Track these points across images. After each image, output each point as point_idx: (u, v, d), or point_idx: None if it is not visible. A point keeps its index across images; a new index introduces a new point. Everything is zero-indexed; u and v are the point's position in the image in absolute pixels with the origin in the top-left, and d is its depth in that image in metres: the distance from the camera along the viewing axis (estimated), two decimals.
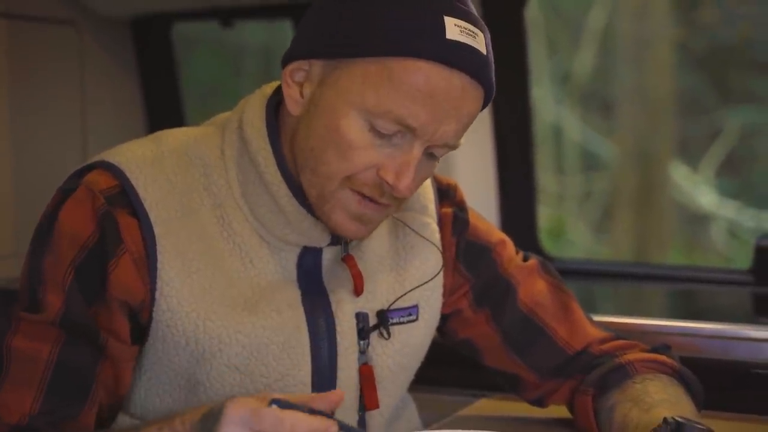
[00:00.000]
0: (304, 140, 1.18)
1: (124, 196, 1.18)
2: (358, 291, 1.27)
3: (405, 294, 1.31)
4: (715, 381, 1.45)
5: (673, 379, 1.33)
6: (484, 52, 1.16)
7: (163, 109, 2.81)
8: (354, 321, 1.27)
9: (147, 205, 1.18)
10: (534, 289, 1.39)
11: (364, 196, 1.17)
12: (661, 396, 1.27)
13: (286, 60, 1.19)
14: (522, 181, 2.46)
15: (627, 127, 3.67)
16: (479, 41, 1.15)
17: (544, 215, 2.69)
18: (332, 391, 1.07)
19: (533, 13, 2.44)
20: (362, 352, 1.28)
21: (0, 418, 1.14)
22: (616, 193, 3.73)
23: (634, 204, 3.62)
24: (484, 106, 1.21)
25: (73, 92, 2.62)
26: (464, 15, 1.15)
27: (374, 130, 1.14)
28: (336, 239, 1.25)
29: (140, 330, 1.20)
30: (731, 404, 1.70)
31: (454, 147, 1.19)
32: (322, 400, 1.01)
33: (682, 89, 3.55)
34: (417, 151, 1.15)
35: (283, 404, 0.97)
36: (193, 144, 1.24)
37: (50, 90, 2.56)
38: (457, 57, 1.13)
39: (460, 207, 1.41)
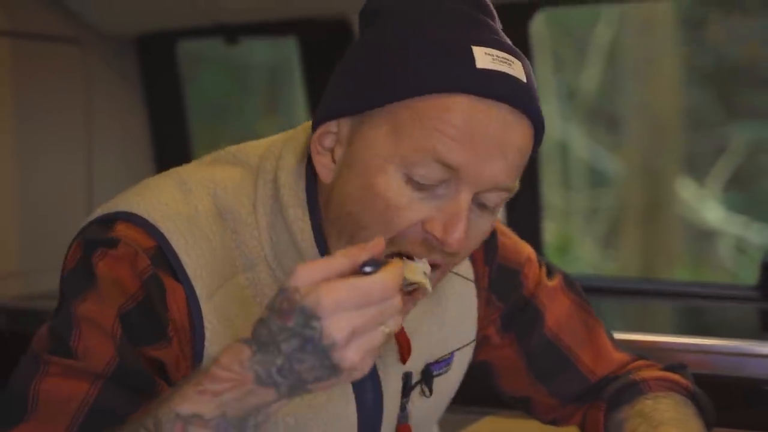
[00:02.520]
0: (340, 206, 1.07)
1: (164, 259, 1.06)
2: (404, 358, 1.19)
3: (452, 353, 1.27)
4: (725, 397, 1.45)
5: (686, 399, 1.31)
6: (524, 80, 1.04)
7: (169, 128, 2.82)
8: (400, 383, 1.22)
9: (190, 272, 1.07)
10: (559, 311, 1.35)
11: (411, 258, 1.05)
12: (671, 414, 1.26)
13: (314, 126, 1.09)
14: (528, 197, 2.46)
15: (633, 143, 3.67)
16: (516, 68, 1.03)
17: (551, 231, 2.69)
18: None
19: (539, 30, 2.44)
20: (402, 409, 1.23)
21: None
22: (622, 209, 3.73)
23: (641, 220, 3.61)
24: (537, 142, 1.08)
25: (78, 111, 2.63)
26: (496, 43, 1.04)
27: (413, 182, 1.02)
28: None
29: None
30: (741, 421, 1.70)
31: (508, 190, 1.05)
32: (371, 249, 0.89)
33: (688, 105, 3.55)
34: (465, 197, 1.02)
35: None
36: (222, 192, 1.13)
37: (55, 108, 2.58)
38: (492, 86, 1.01)
39: None
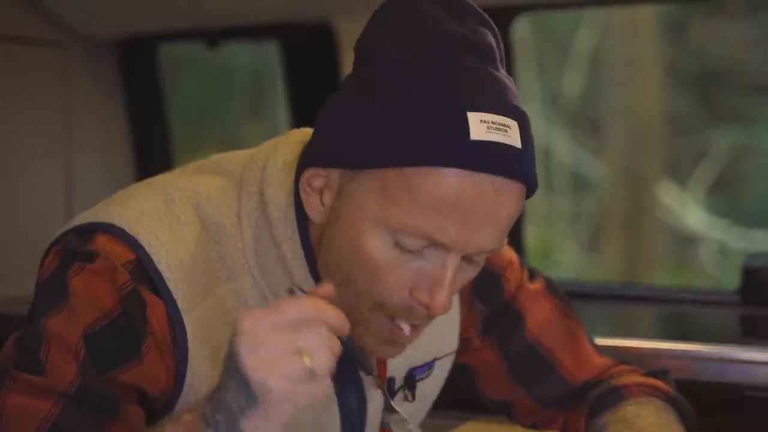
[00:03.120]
0: (328, 256, 1.07)
1: (144, 273, 1.05)
2: (379, 371, 1.19)
3: (435, 360, 1.26)
4: (706, 403, 1.44)
5: (667, 405, 1.31)
6: (519, 146, 1.00)
7: (149, 131, 2.81)
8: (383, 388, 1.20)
9: (171, 285, 1.06)
10: (541, 315, 1.35)
11: (394, 319, 1.06)
12: (653, 420, 1.26)
13: (302, 165, 1.08)
14: None
15: (616, 147, 3.68)
16: (512, 135, 1.00)
17: (534, 235, 2.69)
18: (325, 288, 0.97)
19: (522, 34, 2.44)
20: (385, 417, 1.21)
21: None
22: (605, 214, 3.74)
23: (624, 224, 3.63)
24: (527, 197, 1.07)
25: (58, 115, 2.62)
26: (492, 105, 1.00)
27: (400, 247, 1.02)
28: None
29: (150, 415, 1.09)
30: (723, 426, 1.70)
31: (496, 251, 1.07)
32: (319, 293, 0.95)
33: (671, 109, 3.57)
34: (451, 263, 1.02)
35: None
36: (205, 203, 1.11)
37: (34, 112, 2.57)
38: (486, 158, 0.98)
39: None
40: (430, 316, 1.06)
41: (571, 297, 2.39)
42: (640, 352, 1.81)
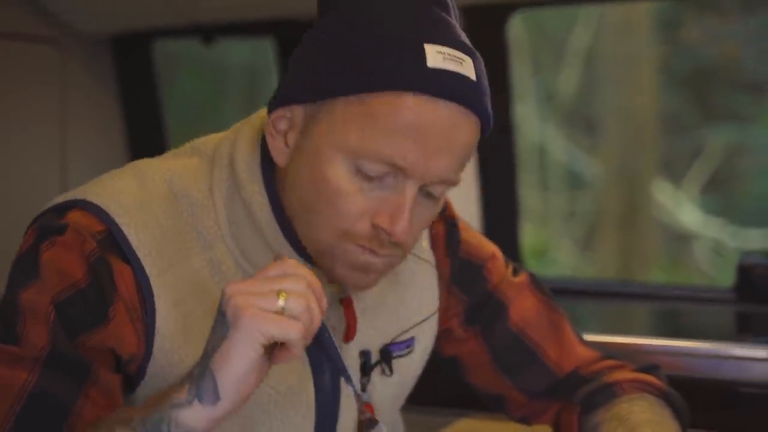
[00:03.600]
0: (292, 191, 1.12)
1: (114, 242, 1.10)
2: (349, 336, 1.21)
3: (407, 330, 1.28)
4: (701, 400, 1.47)
5: (660, 400, 1.32)
6: (473, 78, 1.07)
7: (145, 127, 2.81)
8: (358, 361, 1.24)
9: (140, 253, 1.10)
10: (524, 306, 1.37)
11: (365, 247, 1.10)
12: (647, 416, 1.27)
13: (270, 110, 1.13)
14: (505, 199, 2.47)
15: (611, 145, 3.69)
16: (467, 67, 1.07)
17: (529, 233, 2.70)
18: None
19: (517, 33, 2.45)
20: (362, 389, 1.24)
21: None
22: (600, 212, 3.75)
23: (619, 222, 3.64)
24: (482, 135, 1.13)
25: (53, 110, 2.61)
26: (448, 41, 1.07)
27: (361, 173, 1.07)
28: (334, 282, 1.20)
29: (126, 381, 1.13)
30: (718, 423, 1.71)
31: (453, 183, 1.11)
32: None
33: (665, 108, 3.58)
34: (410, 191, 1.07)
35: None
36: (177, 179, 1.16)
37: (30, 108, 2.56)
38: (442, 85, 1.05)
39: (452, 222, 1.38)
40: (395, 246, 1.10)
41: (567, 294, 2.43)
42: (634, 348, 1.82)
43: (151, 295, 1.10)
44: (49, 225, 1.11)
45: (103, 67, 2.74)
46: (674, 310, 2.35)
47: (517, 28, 2.42)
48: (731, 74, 3.23)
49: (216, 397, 0.95)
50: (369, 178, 1.07)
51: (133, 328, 1.10)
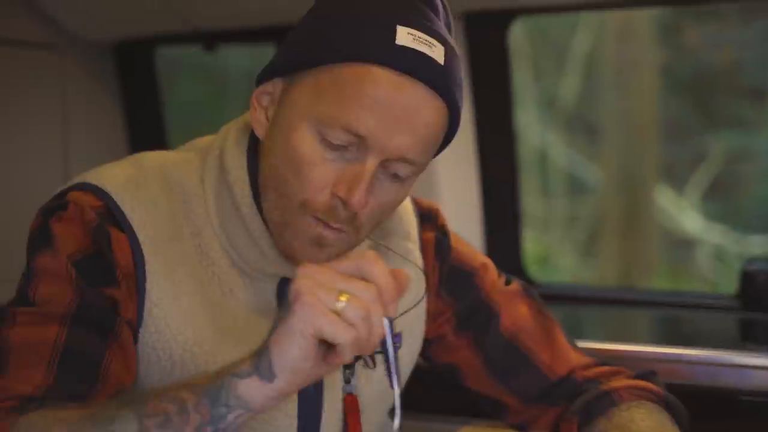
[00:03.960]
0: (266, 160, 1.17)
1: (110, 215, 1.16)
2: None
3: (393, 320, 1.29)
4: (702, 407, 1.45)
5: (659, 406, 1.32)
6: (441, 62, 1.12)
7: (146, 134, 2.84)
8: None
9: (134, 224, 1.16)
10: (516, 313, 1.39)
11: (319, 219, 1.14)
12: (647, 423, 1.27)
13: (256, 86, 1.19)
14: (507, 206, 2.48)
15: (612, 151, 3.69)
16: (436, 52, 1.12)
17: (530, 240, 2.70)
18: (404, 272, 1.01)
19: (519, 39, 2.46)
20: (347, 381, 1.27)
21: (12, 392, 1.08)
22: (601, 218, 3.75)
23: (620, 228, 3.63)
24: (452, 127, 1.17)
25: (56, 117, 2.64)
26: (421, 26, 1.12)
27: (326, 141, 1.11)
28: None
29: None
30: (719, 431, 1.71)
31: (416, 164, 1.14)
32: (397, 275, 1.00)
33: (666, 114, 3.58)
34: (371, 163, 1.11)
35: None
36: (172, 168, 1.22)
37: (31, 115, 2.58)
38: (407, 62, 1.09)
39: (443, 231, 1.40)
40: (350, 221, 1.14)
41: (569, 301, 2.43)
42: (635, 356, 1.82)
43: (143, 262, 1.15)
44: (54, 205, 1.18)
45: (106, 74, 2.76)
46: (676, 317, 2.35)
47: (519, 34, 2.43)
48: (732, 80, 3.23)
49: (272, 375, 0.96)
50: (332, 147, 1.11)
51: (128, 293, 1.15)
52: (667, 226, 3.60)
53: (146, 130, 2.83)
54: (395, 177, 1.14)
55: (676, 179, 3.55)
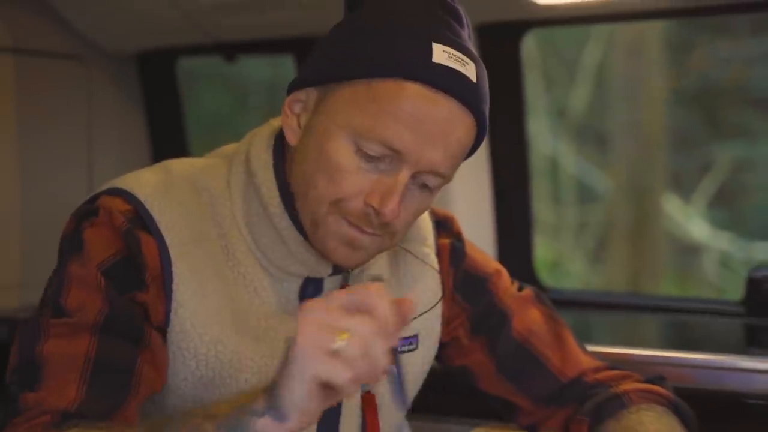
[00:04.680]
0: (299, 166, 1.19)
1: (139, 219, 1.18)
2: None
3: (416, 335, 1.32)
4: (708, 411, 1.46)
5: (668, 410, 1.34)
6: (474, 80, 1.15)
7: (168, 142, 2.84)
8: None
9: (162, 227, 1.18)
10: (528, 318, 1.41)
11: (352, 225, 1.17)
12: (656, 426, 1.29)
13: (288, 93, 1.22)
14: (519, 213, 2.48)
15: (621, 160, 3.70)
16: (469, 69, 1.15)
17: (541, 246, 2.71)
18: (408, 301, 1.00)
19: (531, 51, 2.46)
20: None
21: (47, 407, 1.10)
22: (610, 225, 3.75)
23: (629, 235, 3.64)
24: (478, 140, 1.20)
25: (80, 125, 2.65)
26: (454, 44, 1.15)
27: (361, 152, 1.14)
28: (338, 269, 1.26)
29: None
30: None
31: (445, 177, 1.17)
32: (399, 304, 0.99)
33: (674, 125, 3.59)
34: (404, 176, 1.14)
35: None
36: (199, 174, 1.25)
37: (57, 123, 2.59)
38: (443, 80, 1.13)
39: (457, 238, 1.43)
40: (383, 227, 1.17)
41: (578, 306, 2.43)
42: (642, 360, 1.80)
43: (170, 264, 1.18)
44: (84, 210, 1.20)
45: (129, 84, 2.79)
46: (683, 323, 2.35)
47: (531, 46, 2.44)
48: (739, 92, 3.24)
49: (283, 416, 0.97)
50: (367, 158, 1.14)
51: (157, 295, 1.18)
52: (675, 233, 3.60)
53: (168, 138, 2.84)
54: (424, 187, 1.18)
55: (684, 188, 3.55)
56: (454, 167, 1.18)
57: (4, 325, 2.36)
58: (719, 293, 3.57)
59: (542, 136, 3.49)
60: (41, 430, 1.08)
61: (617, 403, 1.33)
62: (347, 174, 1.15)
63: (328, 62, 1.18)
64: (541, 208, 3.40)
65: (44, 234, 2.62)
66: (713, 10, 2.25)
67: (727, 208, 3.57)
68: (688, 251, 3.60)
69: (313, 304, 0.97)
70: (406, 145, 1.13)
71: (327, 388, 0.95)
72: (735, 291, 2.32)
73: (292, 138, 1.21)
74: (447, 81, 1.13)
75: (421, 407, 1.43)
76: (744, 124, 3.37)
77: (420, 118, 1.12)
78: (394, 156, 1.14)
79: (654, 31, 3.31)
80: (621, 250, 3.66)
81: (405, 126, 1.12)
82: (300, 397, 0.96)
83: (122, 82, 2.77)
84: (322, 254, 1.21)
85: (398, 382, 1.01)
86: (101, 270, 1.16)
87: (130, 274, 1.17)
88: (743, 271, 2.30)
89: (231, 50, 2.67)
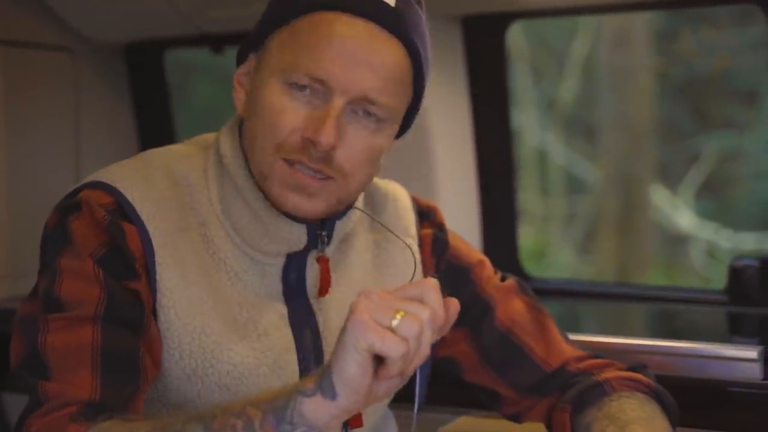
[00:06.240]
0: (245, 127, 1.23)
1: (121, 210, 1.19)
2: (321, 292, 1.28)
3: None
4: (691, 399, 1.47)
5: (649, 397, 1.34)
6: (392, 4, 1.19)
7: (156, 134, 2.83)
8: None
9: (144, 217, 1.20)
10: (511, 308, 1.41)
11: (297, 167, 1.19)
12: (637, 414, 1.29)
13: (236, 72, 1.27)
14: (504, 204, 2.47)
15: (609, 151, 3.71)
16: None
17: (529, 236, 2.72)
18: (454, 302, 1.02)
19: (518, 42, 2.47)
20: None
21: (70, 398, 1.11)
22: (598, 215, 3.77)
23: (616, 226, 3.65)
24: (416, 70, 1.22)
25: (67, 117, 2.64)
26: None
27: (290, 86, 1.17)
28: (314, 239, 1.26)
29: None
30: (707, 422, 1.72)
31: (383, 106, 1.19)
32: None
33: (662, 116, 3.60)
34: (336, 103, 1.16)
35: None
36: (177, 164, 1.26)
37: (45, 115, 2.59)
38: (357, 5, 1.17)
39: (440, 228, 1.43)
40: (327, 160, 1.18)
41: (565, 295, 2.43)
42: (626, 348, 1.78)
43: (153, 253, 1.19)
44: (65, 204, 1.21)
45: (116, 75, 2.78)
46: (669, 311, 2.35)
47: (519, 38, 2.45)
48: (725, 84, 3.25)
49: (334, 393, 0.97)
50: (299, 89, 1.17)
51: (146, 285, 1.19)
52: (662, 224, 3.62)
53: (156, 130, 2.83)
54: (368, 116, 1.19)
55: (671, 178, 3.57)
56: (391, 95, 1.19)
57: None
58: (705, 283, 3.58)
59: (531, 127, 3.50)
60: (70, 421, 1.08)
61: (599, 391, 1.34)
62: (281, 113, 1.17)
63: (258, 24, 1.24)
64: (530, 199, 3.42)
65: (32, 225, 2.61)
66: (696, 1, 2.26)
67: (713, 199, 3.58)
68: (676, 241, 3.62)
69: (372, 291, 0.97)
70: (328, 73, 1.16)
71: (378, 364, 0.96)
72: (720, 281, 2.32)
73: (241, 109, 1.25)
74: (361, 5, 1.17)
75: (405, 396, 1.41)
76: (731, 115, 3.38)
77: (338, 43, 1.16)
78: (323, 88, 1.17)
79: (641, 21, 3.32)
80: (609, 240, 3.67)
81: (325, 53, 1.16)
82: (353, 372, 0.96)
83: (110, 73, 2.77)
84: (278, 207, 1.22)
85: (424, 376, 1.02)
86: (95, 259, 1.17)
87: (122, 263, 1.18)
88: (728, 260, 2.30)
89: (218, 42, 2.66)
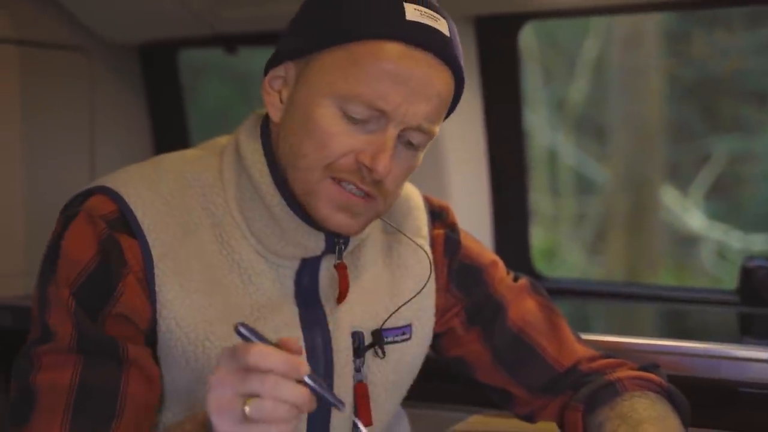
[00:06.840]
0: (284, 140, 1.21)
1: (123, 220, 1.19)
2: (340, 299, 1.28)
3: (397, 310, 1.33)
4: (702, 399, 1.47)
5: (661, 397, 1.35)
6: (447, 34, 1.19)
7: (170, 133, 2.86)
8: (350, 340, 1.28)
9: (145, 227, 1.19)
10: (524, 308, 1.41)
11: (345, 186, 1.18)
12: (649, 413, 1.29)
13: (266, 71, 1.24)
14: (516, 204, 2.48)
15: (620, 152, 3.71)
16: (441, 25, 1.18)
17: (540, 236, 2.72)
18: (293, 340, 0.98)
19: (529, 42, 2.47)
20: (357, 370, 1.29)
21: None
22: (608, 216, 3.77)
23: (626, 226, 3.65)
24: (457, 93, 1.23)
25: (83, 116, 2.66)
26: (423, 2, 1.19)
27: (348, 117, 1.16)
28: (331, 246, 1.26)
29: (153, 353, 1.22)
30: (718, 422, 1.72)
31: (429, 132, 1.20)
32: (284, 345, 0.97)
33: (672, 117, 3.59)
34: (391, 133, 1.16)
35: (247, 332, 0.95)
36: (189, 167, 1.26)
37: (60, 114, 2.61)
38: (419, 36, 1.16)
39: (452, 228, 1.43)
40: (376, 185, 1.18)
41: (576, 295, 2.44)
42: (637, 348, 1.78)
43: (153, 265, 1.18)
44: (70, 213, 1.20)
45: (131, 75, 2.80)
46: (679, 311, 2.35)
47: (530, 39, 2.46)
48: (736, 85, 3.25)
49: None
50: (354, 121, 1.16)
51: (144, 297, 1.18)
52: (672, 225, 3.61)
53: (170, 129, 2.85)
54: (409, 145, 1.20)
55: (681, 179, 3.56)
56: (437, 122, 1.21)
57: (8, 312, 2.38)
58: (715, 283, 3.58)
59: (541, 128, 3.50)
60: None
61: (611, 390, 1.34)
62: (336, 136, 1.16)
63: (303, 34, 1.20)
64: (540, 199, 3.42)
65: (47, 223, 2.63)
66: (710, 2, 2.26)
67: (723, 200, 3.58)
68: (686, 242, 3.61)
69: (213, 380, 0.95)
70: (390, 104, 1.15)
71: None
72: (731, 281, 2.33)
73: (275, 114, 1.22)
74: (423, 37, 1.16)
75: (418, 395, 1.43)
76: (741, 117, 3.38)
77: (401, 76, 1.15)
78: (380, 116, 1.16)
79: (652, 22, 3.32)
80: (619, 241, 3.67)
81: (387, 85, 1.15)
82: None
83: (125, 73, 2.79)
84: (320, 224, 1.22)
85: (324, 388, 0.98)
86: (73, 290, 1.16)
87: (101, 286, 1.17)
88: (739, 262, 2.30)
89: (232, 42, 2.68)
